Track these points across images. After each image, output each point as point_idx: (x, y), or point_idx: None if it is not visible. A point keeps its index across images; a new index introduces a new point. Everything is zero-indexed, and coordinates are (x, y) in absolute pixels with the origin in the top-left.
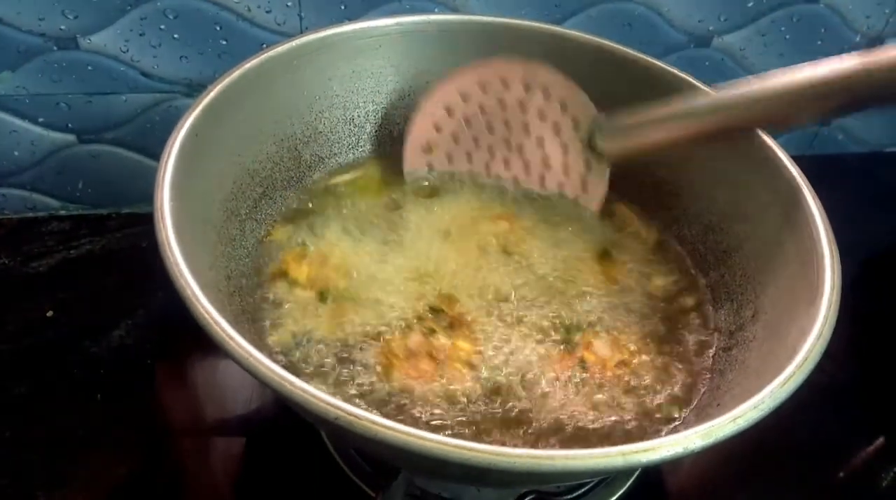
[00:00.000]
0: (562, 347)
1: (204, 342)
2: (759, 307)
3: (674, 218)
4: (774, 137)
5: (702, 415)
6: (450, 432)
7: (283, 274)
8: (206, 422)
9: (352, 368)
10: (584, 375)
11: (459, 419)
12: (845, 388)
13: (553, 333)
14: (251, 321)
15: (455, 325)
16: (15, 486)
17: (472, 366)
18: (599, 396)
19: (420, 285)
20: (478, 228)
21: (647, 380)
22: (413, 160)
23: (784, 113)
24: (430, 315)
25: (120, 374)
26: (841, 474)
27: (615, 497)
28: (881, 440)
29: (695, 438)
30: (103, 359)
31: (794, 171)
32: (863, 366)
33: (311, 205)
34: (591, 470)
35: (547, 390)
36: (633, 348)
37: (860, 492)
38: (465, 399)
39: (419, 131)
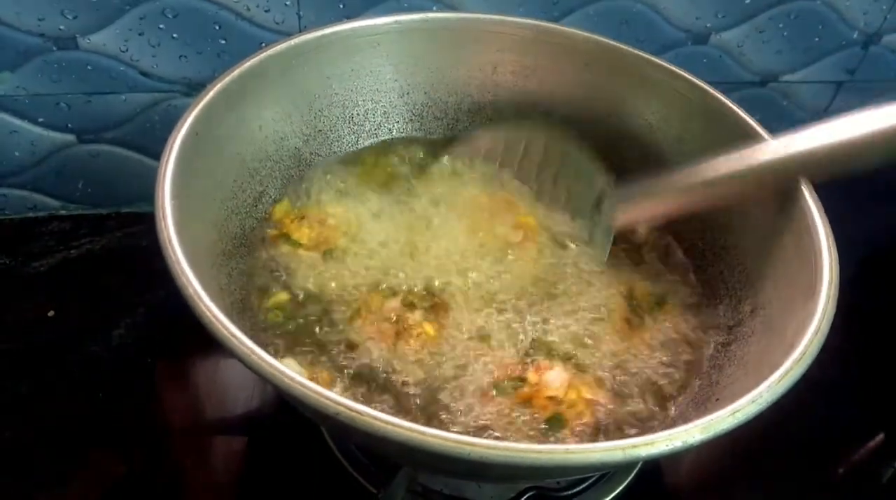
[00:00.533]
0: (520, 356)
1: (204, 341)
2: (757, 303)
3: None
4: (773, 133)
5: (701, 409)
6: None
7: (284, 236)
8: (206, 421)
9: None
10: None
11: (383, 395)
12: (844, 384)
13: (518, 342)
14: (252, 319)
15: (436, 309)
16: (15, 485)
17: (425, 349)
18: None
19: (419, 264)
20: (489, 221)
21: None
22: None
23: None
24: (422, 292)
25: (120, 373)
26: (840, 469)
27: (615, 492)
28: (880, 436)
29: (694, 432)
30: (103, 358)
31: None
32: (861, 362)
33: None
34: (592, 465)
35: (471, 401)
36: (584, 395)
37: (859, 487)
38: (397, 375)
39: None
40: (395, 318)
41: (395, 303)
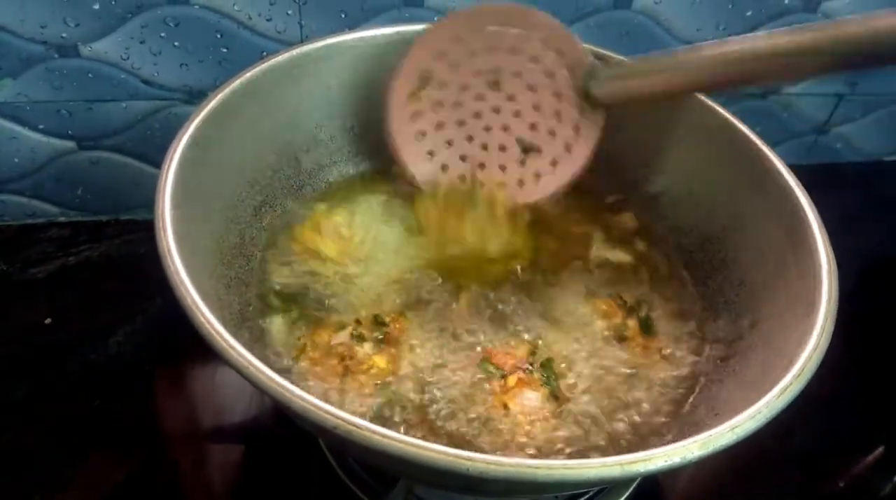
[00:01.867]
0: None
1: (202, 349)
2: (756, 318)
3: (672, 228)
4: (772, 145)
5: (699, 424)
6: None
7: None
8: (204, 429)
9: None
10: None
11: None
12: (843, 398)
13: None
14: (250, 329)
15: (389, 341)
16: (14, 491)
17: (377, 385)
18: None
19: (379, 292)
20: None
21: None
22: (397, 115)
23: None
24: (371, 323)
25: (118, 380)
26: (840, 483)
27: None
28: (880, 449)
29: (693, 447)
30: (102, 365)
31: (792, 180)
32: (861, 376)
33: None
34: (590, 480)
35: None
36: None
37: None
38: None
39: (406, 76)
40: (341, 353)
41: (343, 337)
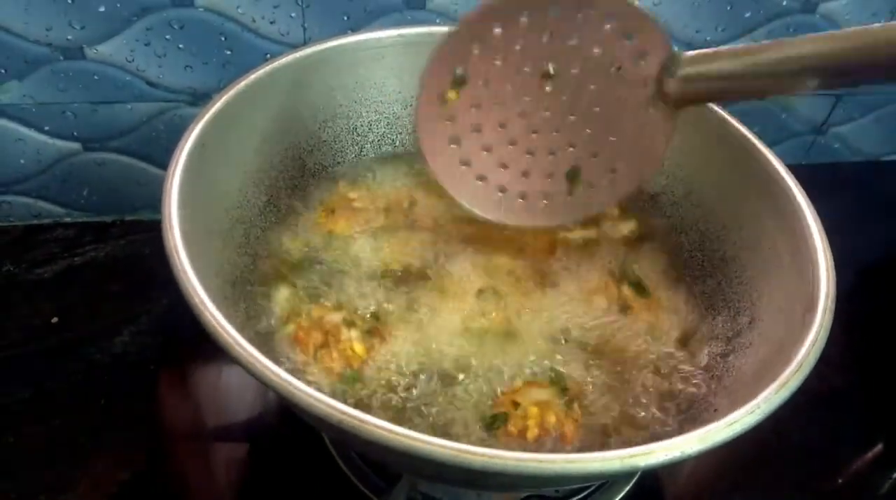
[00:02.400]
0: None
1: (207, 349)
2: (755, 315)
3: (672, 226)
4: (771, 145)
5: (699, 420)
6: None
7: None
8: (208, 428)
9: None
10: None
11: None
12: (842, 394)
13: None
14: (254, 328)
15: (373, 333)
16: (18, 490)
17: (346, 366)
18: None
19: (384, 284)
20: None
21: None
22: (426, 117)
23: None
24: (367, 314)
25: (123, 380)
26: (839, 480)
27: None
28: (879, 446)
29: (692, 442)
30: (107, 365)
31: (791, 180)
32: (859, 373)
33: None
34: (591, 474)
35: None
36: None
37: (858, 498)
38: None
39: (438, 71)
40: (327, 330)
41: (335, 317)
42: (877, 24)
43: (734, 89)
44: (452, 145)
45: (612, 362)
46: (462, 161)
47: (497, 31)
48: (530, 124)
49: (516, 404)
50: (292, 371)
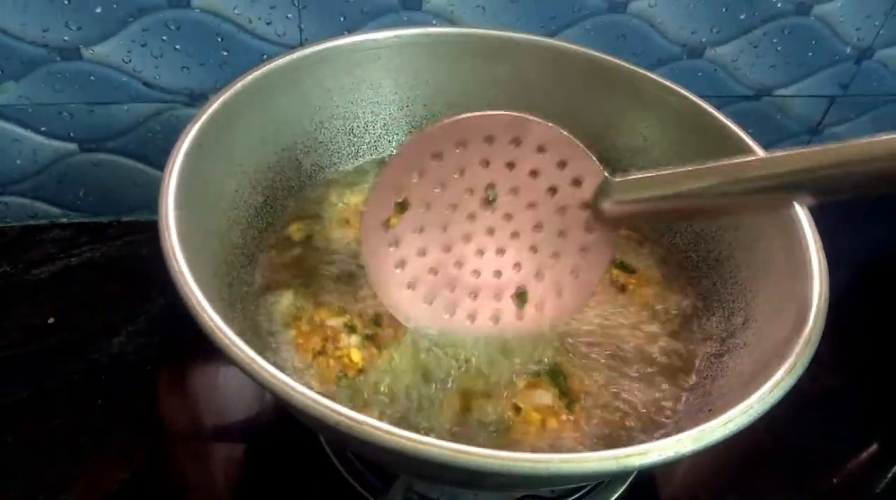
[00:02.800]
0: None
1: (204, 349)
2: (749, 315)
3: (666, 226)
4: (766, 146)
5: (693, 420)
6: None
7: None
8: (206, 428)
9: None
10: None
11: None
12: (836, 394)
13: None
14: (252, 329)
15: (374, 339)
16: (17, 490)
17: (343, 373)
18: None
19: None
20: None
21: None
22: (371, 243)
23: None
24: (368, 319)
25: (120, 380)
26: (834, 480)
27: None
28: (874, 446)
29: (686, 442)
30: (104, 365)
31: None
32: (853, 373)
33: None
34: (586, 474)
35: None
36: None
37: (853, 497)
38: None
39: (379, 201)
40: (326, 335)
41: (337, 322)
42: (833, 144)
43: (668, 213)
44: (398, 270)
45: (610, 361)
46: (409, 284)
47: (434, 160)
48: (476, 246)
49: (518, 409)
50: (289, 374)
